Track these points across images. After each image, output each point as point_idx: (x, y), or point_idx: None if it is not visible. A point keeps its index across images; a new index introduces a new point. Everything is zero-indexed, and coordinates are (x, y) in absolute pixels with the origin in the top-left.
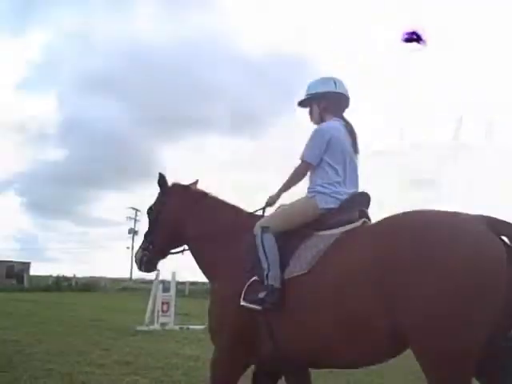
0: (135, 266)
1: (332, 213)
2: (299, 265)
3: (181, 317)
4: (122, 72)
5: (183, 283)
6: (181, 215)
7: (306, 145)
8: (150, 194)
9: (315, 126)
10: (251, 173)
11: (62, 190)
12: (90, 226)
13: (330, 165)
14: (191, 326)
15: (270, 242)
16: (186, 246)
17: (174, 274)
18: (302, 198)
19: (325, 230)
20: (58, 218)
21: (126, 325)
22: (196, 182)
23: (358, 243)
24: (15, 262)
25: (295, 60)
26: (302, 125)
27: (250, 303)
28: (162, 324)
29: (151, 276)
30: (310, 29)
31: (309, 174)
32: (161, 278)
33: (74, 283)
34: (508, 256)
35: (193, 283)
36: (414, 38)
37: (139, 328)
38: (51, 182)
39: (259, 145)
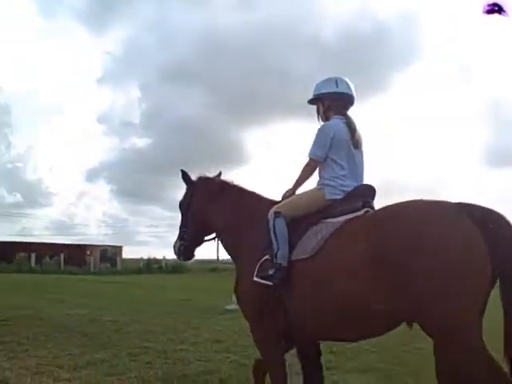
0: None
1: (337, 203)
2: (305, 249)
3: None
4: (200, 60)
5: None
6: (207, 205)
7: (313, 143)
8: (231, 177)
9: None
10: None
11: (148, 176)
12: (177, 211)
13: (334, 161)
14: None
15: (280, 225)
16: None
17: None
18: (312, 189)
19: (330, 218)
20: (146, 204)
21: (216, 304)
22: (219, 174)
23: (357, 230)
24: (108, 246)
25: (372, 43)
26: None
27: (261, 279)
28: None
29: None
30: (387, 11)
31: (318, 169)
32: None
33: (163, 265)
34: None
35: None
36: (495, 9)
37: (228, 307)
38: (138, 170)
39: None
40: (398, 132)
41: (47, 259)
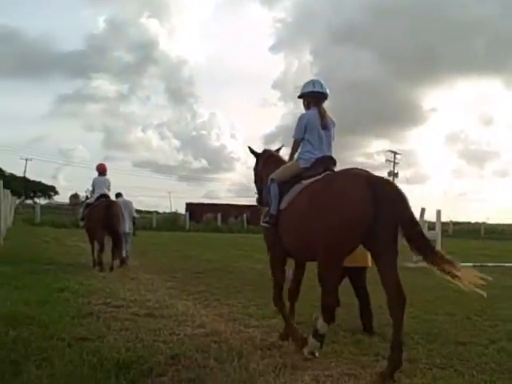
0: None
1: (307, 170)
2: (285, 202)
3: (446, 255)
4: (371, 20)
5: (447, 223)
6: (261, 168)
7: (294, 128)
8: (406, 137)
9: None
10: None
11: None
12: None
13: (308, 140)
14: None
15: (273, 187)
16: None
17: (438, 213)
18: (293, 162)
19: (302, 180)
20: None
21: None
22: (280, 148)
23: (309, 188)
24: None
25: None
26: None
27: (263, 223)
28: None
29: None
30: None
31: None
32: (425, 218)
33: None
34: (374, 200)
35: (456, 223)
36: None
37: (406, 264)
38: None
39: None
40: None
41: (232, 219)
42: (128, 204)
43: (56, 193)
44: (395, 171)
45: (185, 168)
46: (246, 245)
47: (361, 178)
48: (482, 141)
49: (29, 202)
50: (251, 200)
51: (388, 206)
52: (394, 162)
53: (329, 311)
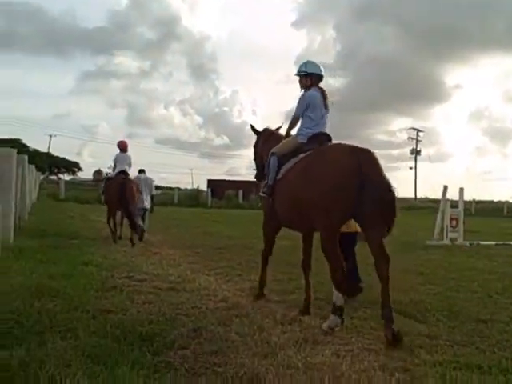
0: (419, 185)
1: (303, 145)
2: (282, 172)
3: (469, 233)
4: None
5: (469, 202)
6: (262, 145)
7: (296, 105)
8: (429, 114)
9: (302, 91)
10: None
11: (344, 116)
12: (373, 149)
13: (308, 116)
14: (482, 242)
15: (273, 160)
16: None
17: (461, 191)
18: (292, 136)
19: (298, 154)
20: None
21: (415, 240)
22: (280, 127)
23: (303, 161)
24: None
25: None
26: None
27: (261, 193)
28: (452, 239)
29: (436, 195)
30: None
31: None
32: (447, 196)
33: None
34: (359, 171)
35: (478, 202)
36: None
37: (429, 242)
38: (334, 109)
39: None
40: None
41: (253, 196)
42: (149, 181)
43: (80, 169)
44: (418, 149)
45: (207, 145)
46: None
47: (346, 149)
48: (506, 118)
49: (53, 177)
50: None
51: (370, 172)
52: (417, 140)
53: (339, 281)
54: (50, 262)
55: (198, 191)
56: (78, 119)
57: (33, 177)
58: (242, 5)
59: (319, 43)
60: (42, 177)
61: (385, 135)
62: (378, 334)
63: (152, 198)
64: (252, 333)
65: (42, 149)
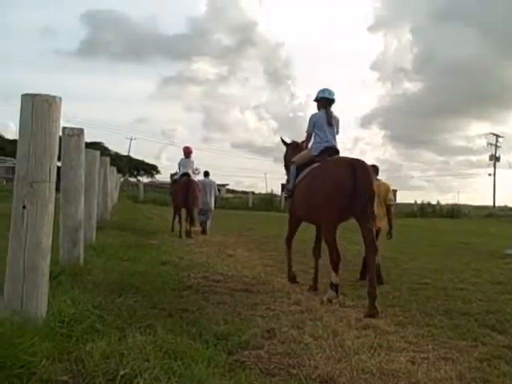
0: (498, 193)
1: (315, 157)
2: (299, 179)
3: None
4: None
5: None
6: (289, 158)
7: (307, 124)
8: (508, 119)
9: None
10: None
11: (421, 121)
12: (450, 155)
13: (317, 134)
14: None
15: (293, 169)
16: None
17: None
18: (307, 150)
19: (312, 164)
20: (419, 148)
21: (494, 249)
22: (304, 141)
23: (313, 170)
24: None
25: None
26: None
27: (284, 195)
28: None
29: None
30: None
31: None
32: None
33: (437, 209)
34: (353, 180)
35: None
36: None
37: (509, 251)
38: (410, 114)
39: None
40: None
41: None
42: (212, 183)
43: (158, 172)
44: (497, 155)
45: (282, 150)
46: (340, 226)
47: (345, 162)
48: None
49: (132, 180)
50: None
51: (362, 180)
52: (496, 146)
53: (335, 264)
54: (131, 261)
55: (271, 195)
56: (157, 123)
57: (114, 179)
58: (317, 10)
59: (395, 47)
60: (122, 179)
61: (463, 141)
62: (455, 343)
63: (215, 198)
64: (326, 336)
65: (123, 151)
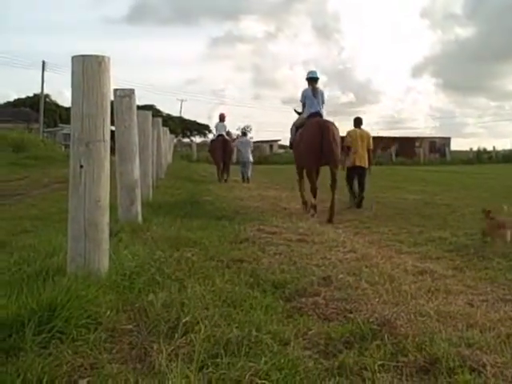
0: None
1: (306, 119)
2: (296, 135)
3: None
4: None
5: None
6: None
7: (300, 97)
8: None
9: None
10: None
11: (474, 67)
12: (505, 99)
13: (307, 103)
14: None
15: (293, 128)
16: None
17: None
18: (302, 114)
19: (303, 125)
20: (473, 95)
21: None
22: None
23: (301, 129)
24: (437, 138)
25: None
26: None
27: (289, 147)
28: None
29: None
30: None
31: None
32: None
33: (494, 155)
34: (320, 137)
35: None
36: None
37: None
38: (463, 61)
39: None
40: None
41: (379, 152)
42: (249, 141)
43: (210, 131)
44: None
45: (332, 103)
46: (396, 176)
47: (316, 123)
48: None
49: (186, 140)
50: (401, 132)
51: (326, 138)
52: None
53: (314, 193)
54: (187, 216)
55: None
56: (207, 84)
57: (167, 139)
58: None
59: None
60: (175, 140)
61: None
62: None
63: (252, 152)
64: (382, 282)
65: (174, 113)
